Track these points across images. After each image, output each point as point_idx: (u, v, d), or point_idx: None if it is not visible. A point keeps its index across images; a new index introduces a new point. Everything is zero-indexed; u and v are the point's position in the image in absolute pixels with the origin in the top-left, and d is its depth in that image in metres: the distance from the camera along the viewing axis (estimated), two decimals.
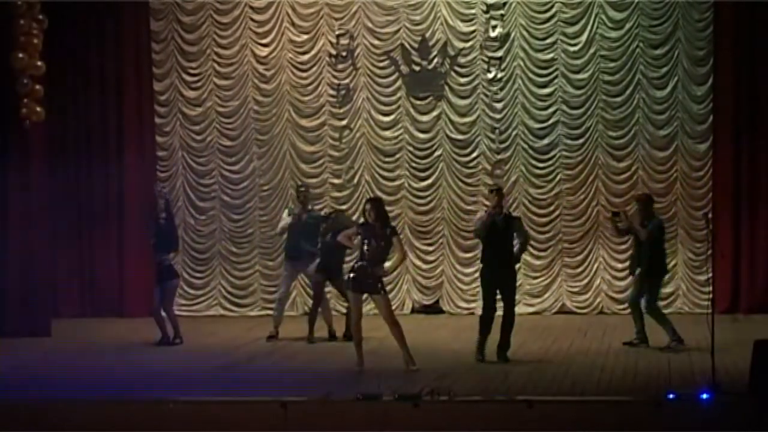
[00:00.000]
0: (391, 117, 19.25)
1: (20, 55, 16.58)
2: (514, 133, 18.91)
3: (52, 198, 18.55)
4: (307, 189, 17.00)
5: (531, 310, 18.60)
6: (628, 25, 18.59)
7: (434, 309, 19.04)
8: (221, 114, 19.55)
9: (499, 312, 14.37)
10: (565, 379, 12.91)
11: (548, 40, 18.80)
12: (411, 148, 19.20)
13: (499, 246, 14.21)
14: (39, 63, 16.77)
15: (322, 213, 17.24)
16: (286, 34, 19.35)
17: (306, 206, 16.64)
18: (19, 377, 13.70)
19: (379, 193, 19.05)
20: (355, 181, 19.30)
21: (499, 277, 14.27)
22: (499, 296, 14.37)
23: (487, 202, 18.66)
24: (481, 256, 14.58)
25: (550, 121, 18.83)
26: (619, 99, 18.66)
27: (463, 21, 18.98)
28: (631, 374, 13.22)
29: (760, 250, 18.22)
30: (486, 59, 18.93)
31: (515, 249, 14.42)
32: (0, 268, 17.36)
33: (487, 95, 18.95)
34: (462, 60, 19.03)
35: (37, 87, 16.77)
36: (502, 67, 18.89)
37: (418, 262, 19.16)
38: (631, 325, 17.26)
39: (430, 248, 19.17)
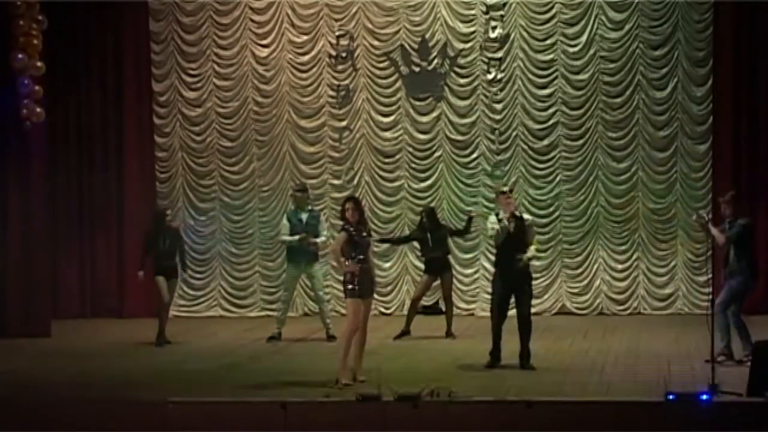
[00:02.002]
0: (391, 118, 19.26)
1: (20, 56, 16.59)
2: (513, 134, 18.92)
3: (52, 198, 18.59)
4: (305, 191, 16.81)
5: (531, 310, 18.52)
6: (627, 26, 18.60)
7: (434, 310, 19.02)
8: (221, 115, 19.55)
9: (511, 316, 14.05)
10: (565, 380, 12.92)
11: (548, 41, 18.80)
12: (411, 149, 19.21)
13: (512, 250, 13.73)
14: (39, 63, 16.79)
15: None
16: (286, 35, 19.36)
17: (305, 208, 16.56)
18: (19, 378, 13.70)
19: (378, 194, 19.12)
20: (355, 182, 19.30)
21: (513, 283, 13.83)
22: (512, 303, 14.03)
23: (487, 204, 18.89)
24: (495, 260, 14.18)
25: (550, 122, 18.83)
26: (618, 100, 18.67)
27: (462, 22, 18.99)
28: (631, 375, 13.23)
29: (760, 251, 18.15)
30: (486, 60, 18.94)
31: (527, 254, 13.77)
32: (0, 268, 17.35)
33: (486, 96, 18.96)
34: (462, 61, 19.03)
35: (37, 88, 16.78)
36: (502, 68, 18.90)
37: (418, 263, 19.13)
38: (630, 325, 17.32)
39: None
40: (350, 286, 12.83)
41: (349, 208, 13.01)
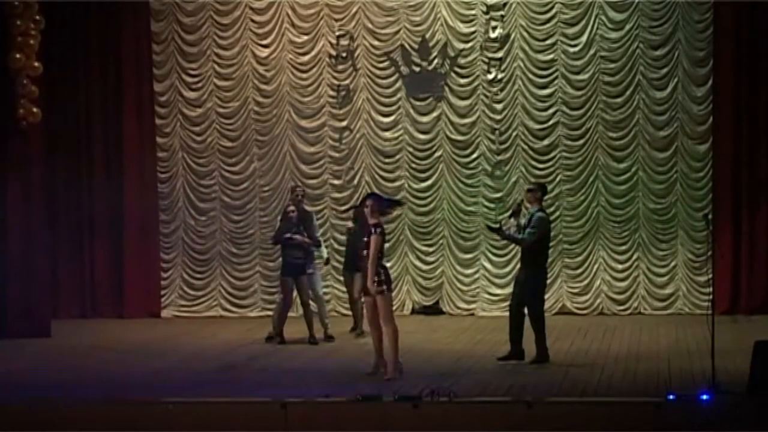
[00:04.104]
0: (391, 118, 19.25)
1: (17, 56, 16.59)
2: (514, 134, 18.92)
3: (52, 198, 18.58)
4: (303, 191, 16.88)
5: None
6: (628, 26, 18.59)
7: (434, 310, 19.04)
8: (221, 115, 19.55)
9: None
10: (565, 380, 12.92)
11: (548, 41, 18.80)
12: (411, 149, 19.21)
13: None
14: (36, 64, 16.78)
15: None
16: (286, 35, 19.36)
17: (300, 208, 16.53)
18: (19, 378, 13.69)
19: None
20: (355, 182, 19.29)
21: (519, 277, 14.37)
22: None
23: (487, 204, 18.93)
24: None
25: (550, 122, 18.83)
26: (619, 100, 18.67)
27: (463, 22, 18.98)
28: (631, 375, 13.23)
29: (760, 251, 18.22)
30: (486, 60, 18.93)
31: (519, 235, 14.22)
32: (0, 269, 17.34)
33: (487, 96, 18.95)
34: (462, 61, 19.03)
35: (33, 88, 16.77)
36: (502, 68, 18.89)
37: (418, 263, 19.14)
38: (631, 325, 17.31)
39: (430, 249, 19.15)
40: (386, 286, 13.19)
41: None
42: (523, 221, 14.26)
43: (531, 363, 13.94)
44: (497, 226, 14.60)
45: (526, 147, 18.88)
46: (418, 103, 19.18)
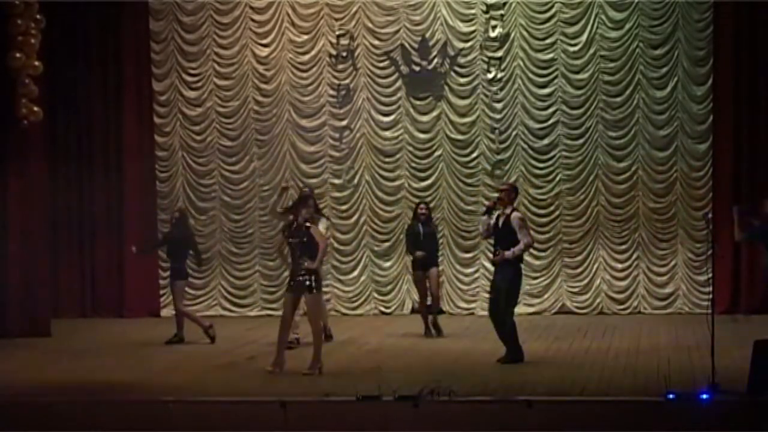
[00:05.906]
0: (391, 117, 19.26)
1: (18, 55, 16.59)
2: (514, 133, 18.92)
3: (52, 198, 18.58)
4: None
5: (531, 310, 18.59)
6: (628, 26, 18.61)
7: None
8: (221, 114, 19.55)
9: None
10: (565, 379, 12.91)
11: (548, 41, 18.81)
12: (411, 149, 19.21)
13: (497, 246, 14.14)
14: (36, 63, 16.78)
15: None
16: (286, 35, 19.36)
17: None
18: (19, 378, 13.69)
19: (379, 194, 19.11)
20: (356, 181, 19.30)
21: (495, 280, 14.31)
22: None
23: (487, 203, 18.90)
24: None
25: (550, 122, 18.84)
26: (618, 99, 18.68)
27: (462, 21, 18.99)
28: (631, 374, 13.22)
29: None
30: (486, 59, 18.94)
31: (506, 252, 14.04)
32: (0, 268, 17.34)
33: (486, 95, 18.96)
34: (462, 60, 19.04)
35: (33, 87, 16.76)
36: (502, 67, 18.90)
37: None
38: (630, 325, 17.31)
39: None
40: (315, 285, 13.53)
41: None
42: (499, 221, 14.02)
43: (502, 362, 13.89)
44: (498, 253, 14.32)
45: (525, 146, 18.89)
46: (418, 102, 19.19)
